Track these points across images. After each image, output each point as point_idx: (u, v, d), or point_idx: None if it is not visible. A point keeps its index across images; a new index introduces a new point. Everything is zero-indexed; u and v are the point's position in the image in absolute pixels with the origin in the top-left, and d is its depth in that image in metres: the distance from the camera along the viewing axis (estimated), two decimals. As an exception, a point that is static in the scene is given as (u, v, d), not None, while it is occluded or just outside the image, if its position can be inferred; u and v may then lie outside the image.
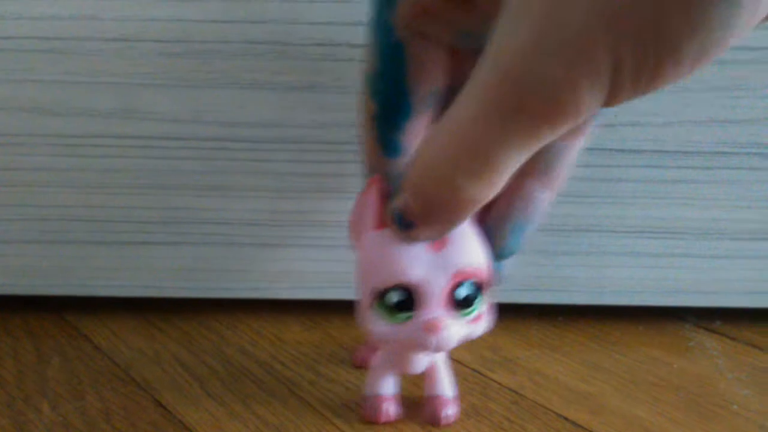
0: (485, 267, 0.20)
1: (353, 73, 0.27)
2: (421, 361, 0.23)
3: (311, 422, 0.23)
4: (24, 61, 0.27)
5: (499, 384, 0.26)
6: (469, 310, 0.20)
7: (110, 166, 0.29)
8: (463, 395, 0.25)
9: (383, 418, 0.23)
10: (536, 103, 0.14)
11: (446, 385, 0.23)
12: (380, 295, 0.19)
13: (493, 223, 0.21)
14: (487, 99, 0.15)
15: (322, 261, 0.30)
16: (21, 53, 0.27)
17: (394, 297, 0.19)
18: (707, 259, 0.30)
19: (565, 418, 0.24)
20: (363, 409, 0.23)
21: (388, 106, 0.19)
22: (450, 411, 0.23)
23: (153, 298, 0.31)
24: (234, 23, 0.27)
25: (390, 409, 0.23)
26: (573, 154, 0.21)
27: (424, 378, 0.23)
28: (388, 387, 0.23)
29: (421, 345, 0.19)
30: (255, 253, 0.30)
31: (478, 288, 0.20)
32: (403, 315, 0.19)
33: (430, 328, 0.19)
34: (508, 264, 0.22)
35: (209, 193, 0.29)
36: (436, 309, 0.19)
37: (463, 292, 0.20)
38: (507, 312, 0.25)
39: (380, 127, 0.20)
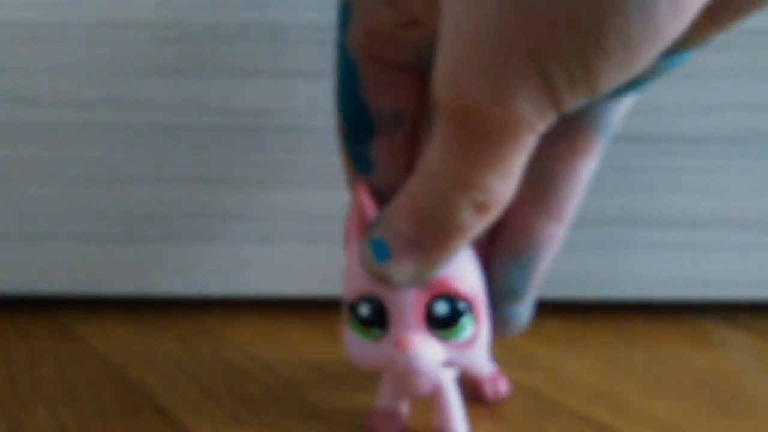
0: (469, 285, 0.19)
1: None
2: (418, 385, 0.20)
3: (318, 428, 0.22)
4: (5, 49, 0.27)
5: (516, 383, 0.25)
6: (453, 331, 0.18)
7: (97, 158, 0.28)
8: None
9: None
10: (481, 125, 0.14)
11: (458, 423, 0.21)
12: (352, 309, 0.19)
13: (497, 260, 0.20)
14: (445, 129, 0.15)
15: (325, 256, 0.29)
16: (2, 42, 0.27)
17: (363, 310, 0.18)
18: (730, 250, 0.30)
19: (587, 418, 0.23)
20: (367, 420, 0.22)
21: (351, 122, 0.20)
22: None
23: (148, 296, 0.30)
24: (226, 5, 0.27)
25: (389, 427, 0.21)
26: (579, 178, 0.20)
27: (435, 409, 0.21)
28: (394, 402, 0.21)
29: (391, 364, 0.18)
30: (253, 249, 0.30)
31: (462, 307, 0.19)
32: (375, 331, 0.19)
33: (398, 344, 0.18)
34: (524, 312, 0.21)
35: (202, 186, 0.29)
36: (409, 327, 0.18)
37: (440, 308, 0.18)
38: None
39: (348, 142, 0.20)
